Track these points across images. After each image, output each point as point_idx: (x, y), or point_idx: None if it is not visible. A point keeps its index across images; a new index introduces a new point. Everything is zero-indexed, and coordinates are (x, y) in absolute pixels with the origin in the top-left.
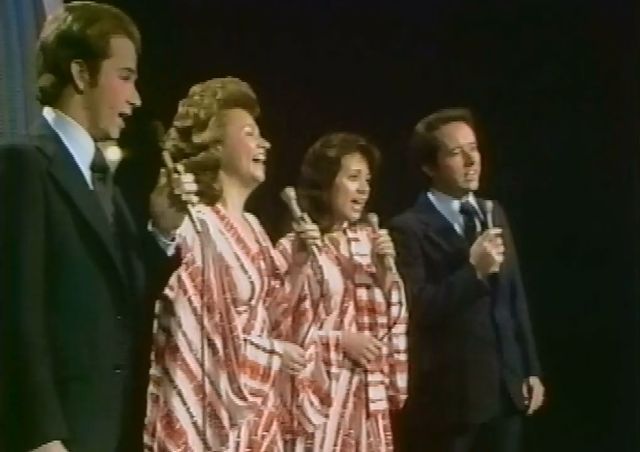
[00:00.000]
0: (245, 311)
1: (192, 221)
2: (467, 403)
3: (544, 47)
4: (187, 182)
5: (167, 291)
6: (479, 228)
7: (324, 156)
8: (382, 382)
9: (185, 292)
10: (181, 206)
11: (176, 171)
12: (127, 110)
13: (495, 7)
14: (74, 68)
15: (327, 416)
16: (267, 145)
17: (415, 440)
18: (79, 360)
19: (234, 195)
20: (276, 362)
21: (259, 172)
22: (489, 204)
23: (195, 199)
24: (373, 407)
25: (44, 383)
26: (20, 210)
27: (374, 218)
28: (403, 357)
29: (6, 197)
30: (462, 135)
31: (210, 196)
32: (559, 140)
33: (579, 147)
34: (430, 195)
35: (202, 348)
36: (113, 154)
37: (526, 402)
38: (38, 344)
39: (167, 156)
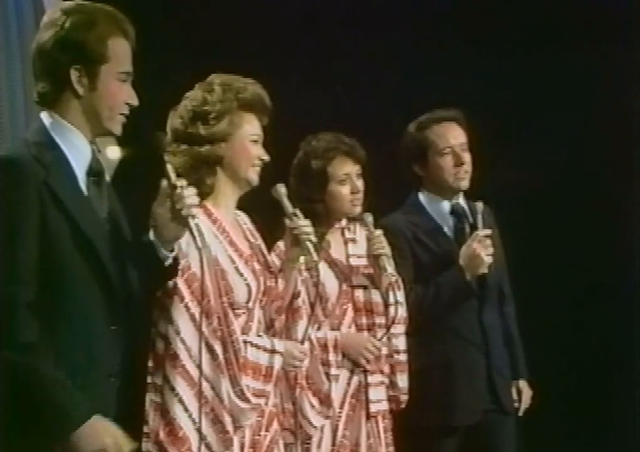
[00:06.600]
0: (243, 313)
1: (193, 237)
2: (453, 406)
3: (538, 49)
4: (189, 196)
5: (164, 298)
6: (468, 230)
7: (309, 168)
8: (382, 383)
9: (182, 298)
10: (182, 220)
11: (178, 186)
12: (125, 111)
13: (490, 7)
14: (73, 74)
15: (327, 417)
16: (267, 158)
17: (403, 441)
18: (72, 368)
19: (228, 194)
20: (278, 361)
21: (254, 176)
22: (479, 205)
23: (196, 211)
24: (373, 408)
25: (52, 374)
26: (16, 222)
27: (369, 218)
28: (403, 357)
29: (2, 208)
30: (453, 136)
31: (201, 192)
32: (551, 142)
33: (571, 149)
34: (420, 195)
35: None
36: (113, 153)
37: (516, 404)
38: (36, 344)
39: (170, 169)
